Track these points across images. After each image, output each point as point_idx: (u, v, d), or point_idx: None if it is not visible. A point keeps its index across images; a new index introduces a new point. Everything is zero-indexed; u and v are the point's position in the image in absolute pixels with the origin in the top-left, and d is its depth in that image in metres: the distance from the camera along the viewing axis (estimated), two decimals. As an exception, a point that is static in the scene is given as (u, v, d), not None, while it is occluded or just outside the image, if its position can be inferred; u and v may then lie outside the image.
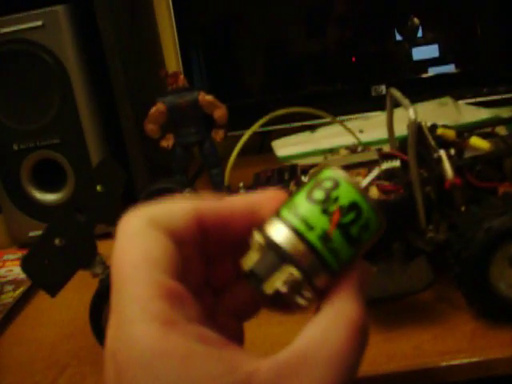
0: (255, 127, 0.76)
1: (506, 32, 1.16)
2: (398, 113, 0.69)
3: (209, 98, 0.96)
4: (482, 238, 0.55)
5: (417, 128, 0.59)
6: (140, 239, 0.28)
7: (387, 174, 0.63)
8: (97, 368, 0.63)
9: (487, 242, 0.55)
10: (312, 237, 0.29)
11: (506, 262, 0.56)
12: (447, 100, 1.00)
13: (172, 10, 1.18)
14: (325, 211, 0.29)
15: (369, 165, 0.66)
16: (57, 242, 0.59)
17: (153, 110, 0.96)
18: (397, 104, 0.65)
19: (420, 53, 1.18)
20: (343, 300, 0.29)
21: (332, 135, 0.95)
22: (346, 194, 0.29)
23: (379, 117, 0.98)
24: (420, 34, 1.18)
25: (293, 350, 0.27)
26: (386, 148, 0.73)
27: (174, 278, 0.28)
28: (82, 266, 0.62)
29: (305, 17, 1.23)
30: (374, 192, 0.61)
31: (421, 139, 0.62)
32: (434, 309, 0.62)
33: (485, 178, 0.63)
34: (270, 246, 0.29)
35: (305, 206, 0.29)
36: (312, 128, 1.02)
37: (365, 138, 0.89)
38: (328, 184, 0.30)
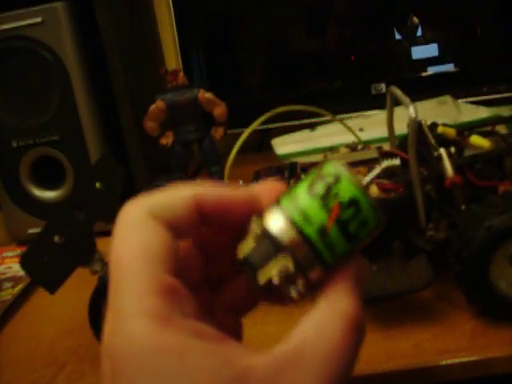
0: (255, 125, 0.76)
1: (505, 31, 1.16)
2: (398, 111, 0.69)
3: (208, 95, 0.95)
4: (483, 237, 0.54)
5: (417, 126, 0.59)
6: (139, 232, 0.28)
7: (387, 173, 0.63)
8: (96, 365, 0.63)
9: (487, 240, 0.55)
10: (309, 230, 0.29)
11: (506, 261, 0.56)
12: (447, 99, 1.00)
13: (172, 8, 1.18)
14: (324, 206, 0.29)
15: (369, 163, 0.66)
16: (56, 239, 0.59)
17: (152, 107, 0.95)
18: (397, 102, 0.65)
19: (419, 52, 1.18)
20: (338, 294, 0.29)
21: (332, 133, 0.95)
22: (346, 190, 0.29)
23: (379, 115, 0.98)
24: (419, 33, 1.17)
25: (289, 345, 0.27)
26: (386, 146, 0.73)
27: (171, 273, 0.28)
28: (81, 263, 0.62)
29: (305, 15, 1.22)
30: (374, 190, 0.61)
31: (421, 138, 0.62)
32: (433, 307, 0.61)
33: (485, 176, 0.63)
34: (266, 235, 0.29)
35: (305, 198, 0.29)
36: (312, 126, 1.02)
37: (365, 136, 0.89)
38: (329, 179, 0.30)
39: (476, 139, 0.64)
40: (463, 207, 0.60)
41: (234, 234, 0.32)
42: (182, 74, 0.96)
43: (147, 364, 0.25)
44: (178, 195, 0.30)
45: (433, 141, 0.63)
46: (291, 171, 0.71)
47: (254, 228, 0.30)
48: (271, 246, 0.29)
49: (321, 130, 1.00)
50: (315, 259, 0.29)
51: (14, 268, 0.91)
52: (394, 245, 0.61)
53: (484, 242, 0.55)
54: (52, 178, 1.00)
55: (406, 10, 1.19)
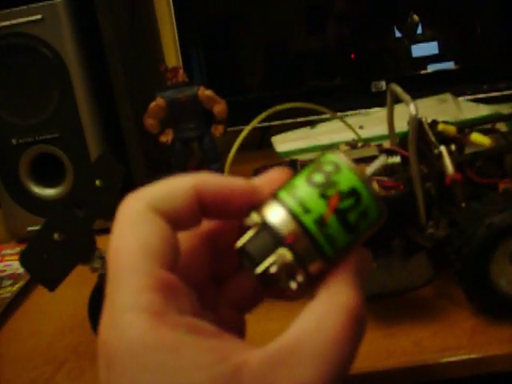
0: (255, 122, 0.76)
1: (505, 29, 1.16)
2: (399, 109, 0.69)
3: (208, 93, 0.95)
4: (483, 235, 0.54)
5: (417, 124, 0.59)
6: (137, 226, 0.28)
7: (387, 170, 0.63)
8: (95, 363, 0.63)
9: (488, 238, 0.55)
10: (307, 220, 0.28)
11: (507, 259, 0.56)
12: (447, 96, 1.00)
13: (172, 6, 1.18)
14: (323, 195, 0.28)
15: (369, 161, 0.66)
16: (56, 236, 0.59)
17: (152, 104, 0.95)
18: (397, 100, 0.65)
19: (420, 49, 1.18)
20: (339, 286, 0.28)
21: (332, 131, 0.95)
22: (345, 180, 0.29)
23: (379, 113, 0.98)
24: (419, 30, 1.17)
25: (285, 340, 0.27)
26: (387, 144, 0.73)
27: (169, 267, 0.28)
28: (80, 260, 0.62)
29: (305, 13, 1.22)
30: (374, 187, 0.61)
31: (421, 135, 0.62)
32: (433, 305, 0.61)
33: (485, 174, 0.63)
34: (265, 225, 0.29)
35: (303, 188, 0.29)
36: (312, 124, 1.02)
37: (365, 133, 0.89)
38: (329, 168, 0.29)
39: (476, 137, 0.64)
40: (463, 205, 0.60)
41: (239, 228, 0.31)
42: (181, 71, 0.96)
43: (141, 359, 0.25)
44: (177, 185, 0.30)
45: (433, 138, 0.63)
46: (291, 169, 0.71)
47: (254, 219, 0.30)
48: (270, 236, 0.29)
49: (321, 127, 1.00)
50: (314, 250, 0.28)
51: (14, 265, 0.91)
52: (394, 242, 0.61)
53: (484, 239, 0.55)
54: (52, 175, 1.00)
55: (406, 7, 1.19)
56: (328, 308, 0.27)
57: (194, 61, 1.24)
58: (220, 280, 0.35)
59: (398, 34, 1.19)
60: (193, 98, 0.95)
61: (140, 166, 1.00)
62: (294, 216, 0.28)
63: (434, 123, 0.66)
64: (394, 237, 0.61)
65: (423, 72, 1.19)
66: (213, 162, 0.99)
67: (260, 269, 0.29)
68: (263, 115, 0.76)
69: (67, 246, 0.60)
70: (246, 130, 0.75)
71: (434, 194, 0.62)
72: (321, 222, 0.28)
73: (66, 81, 0.95)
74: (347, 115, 1.02)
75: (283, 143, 0.98)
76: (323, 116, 0.95)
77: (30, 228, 1.00)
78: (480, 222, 0.55)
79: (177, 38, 1.19)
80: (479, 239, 0.55)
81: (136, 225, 0.28)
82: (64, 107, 0.96)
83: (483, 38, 1.17)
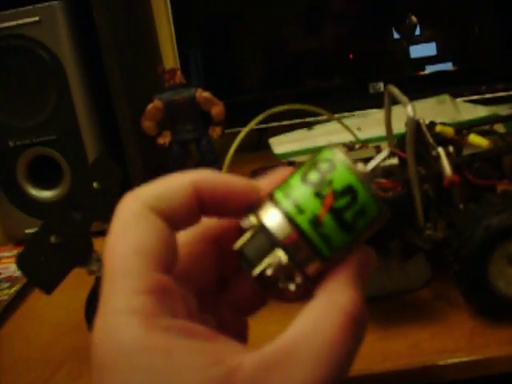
0: (252, 124, 0.76)
1: (503, 30, 1.16)
2: (396, 110, 0.69)
3: (206, 94, 0.95)
4: (481, 236, 0.54)
5: (415, 125, 0.59)
6: (134, 227, 0.28)
7: (385, 172, 0.63)
8: (93, 366, 0.63)
9: (486, 239, 0.54)
10: (301, 220, 0.28)
11: (505, 260, 0.56)
12: (445, 98, 1.00)
13: (169, 7, 1.18)
14: (317, 194, 0.28)
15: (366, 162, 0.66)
16: (52, 239, 0.59)
17: (150, 106, 0.95)
18: (395, 101, 0.65)
19: (418, 50, 1.18)
20: (338, 287, 0.28)
21: (329, 132, 0.95)
22: (341, 177, 0.28)
23: (377, 114, 0.98)
24: (418, 31, 1.17)
25: (282, 342, 0.26)
26: (384, 145, 0.73)
27: (164, 269, 0.27)
28: (77, 263, 0.61)
29: (302, 14, 1.22)
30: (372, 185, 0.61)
31: (419, 137, 0.62)
32: (431, 307, 0.61)
33: (483, 175, 0.63)
34: (260, 227, 0.29)
35: (298, 188, 0.29)
36: (309, 125, 1.02)
37: (362, 135, 0.89)
38: (324, 165, 0.29)
39: (474, 138, 0.64)
40: (461, 206, 0.60)
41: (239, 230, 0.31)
42: (179, 72, 0.96)
43: (133, 362, 0.24)
44: (175, 183, 0.30)
45: (431, 140, 0.62)
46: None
47: (250, 221, 0.29)
48: (265, 238, 0.28)
49: (318, 129, 0.99)
50: (310, 250, 0.28)
51: (11, 268, 0.90)
52: (392, 244, 0.61)
53: (482, 241, 0.54)
54: (49, 177, 0.99)
55: (404, 8, 1.19)
56: (326, 309, 0.27)
57: (191, 62, 1.24)
58: (222, 282, 0.35)
59: (396, 35, 1.18)
60: (190, 99, 0.95)
61: (137, 168, 1.00)
62: (288, 217, 0.28)
63: (432, 125, 0.66)
64: (391, 238, 0.61)
65: (421, 73, 1.19)
66: (210, 163, 0.98)
67: (256, 271, 0.28)
68: (260, 117, 0.76)
69: (64, 248, 0.59)
70: (244, 131, 0.75)
71: (432, 196, 0.61)
72: (315, 221, 0.28)
73: (63, 83, 0.95)
74: (345, 117, 1.02)
75: (281, 145, 0.98)
76: (321, 117, 0.95)
77: (27, 230, 1.00)
78: (478, 224, 0.55)
79: (174, 38, 1.19)
80: (477, 241, 0.54)
81: (132, 225, 0.28)
82: (61, 109, 0.95)
83: (481, 38, 1.17)
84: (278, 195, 0.29)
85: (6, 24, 0.93)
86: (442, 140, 0.64)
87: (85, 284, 0.61)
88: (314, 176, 0.28)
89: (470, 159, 0.63)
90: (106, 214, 0.60)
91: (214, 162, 0.98)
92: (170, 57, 1.33)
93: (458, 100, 1.02)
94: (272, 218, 0.29)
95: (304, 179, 0.29)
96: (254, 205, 0.30)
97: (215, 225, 0.33)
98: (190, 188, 0.29)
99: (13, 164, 0.98)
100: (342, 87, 1.22)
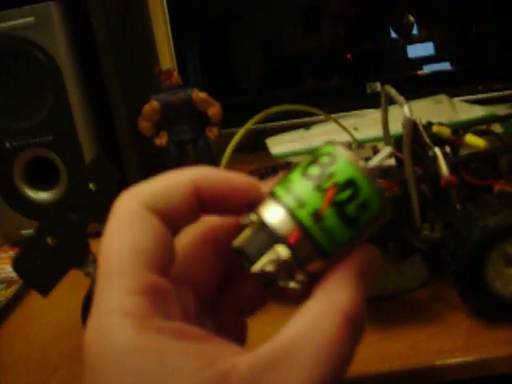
0: (249, 125, 0.76)
1: (501, 30, 1.16)
2: (393, 110, 0.68)
3: (202, 95, 0.95)
4: (478, 236, 0.54)
5: (412, 125, 0.59)
6: (129, 227, 0.28)
7: (382, 172, 0.63)
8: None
9: (483, 240, 0.54)
10: (302, 215, 0.27)
11: (502, 261, 0.56)
12: (442, 97, 1.00)
13: (166, 7, 1.18)
14: (318, 188, 0.27)
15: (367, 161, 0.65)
16: (49, 240, 0.58)
17: (146, 107, 0.95)
18: (392, 101, 0.65)
19: (415, 50, 1.18)
20: (337, 286, 0.27)
21: (326, 133, 0.95)
22: (342, 170, 0.28)
23: (374, 114, 0.98)
24: (415, 31, 1.17)
25: (278, 342, 0.26)
26: (381, 146, 0.73)
27: (160, 269, 0.27)
28: (74, 265, 0.61)
29: (300, 15, 1.22)
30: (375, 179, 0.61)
31: (416, 137, 0.62)
32: (429, 308, 0.61)
33: (480, 175, 0.63)
34: (261, 224, 0.28)
35: (299, 182, 0.28)
36: (307, 125, 1.02)
37: (359, 135, 0.89)
38: (325, 159, 0.28)
39: (471, 138, 0.64)
40: (458, 206, 0.60)
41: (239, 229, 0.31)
42: (176, 73, 0.96)
43: (125, 364, 0.24)
44: (174, 180, 0.29)
45: (428, 140, 0.62)
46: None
47: (250, 216, 0.29)
48: (265, 233, 0.28)
49: (315, 129, 0.99)
50: (311, 245, 0.27)
51: (7, 269, 0.90)
52: (389, 244, 0.61)
53: (479, 241, 0.54)
54: (45, 178, 0.99)
55: (401, 8, 1.19)
56: (323, 309, 0.27)
57: (188, 62, 1.24)
58: (223, 283, 0.34)
59: (393, 35, 1.19)
60: (187, 100, 0.95)
61: (134, 168, 1.00)
62: (289, 212, 0.27)
63: (429, 125, 0.66)
64: (388, 239, 0.61)
65: (419, 73, 1.19)
66: (207, 164, 0.98)
67: (257, 267, 0.28)
68: (257, 117, 0.76)
69: (61, 250, 0.59)
70: (241, 132, 0.75)
71: (429, 196, 0.61)
72: (316, 215, 0.27)
73: (59, 84, 0.94)
74: (342, 117, 1.02)
75: (278, 145, 0.98)
76: (318, 118, 0.95)
77: (23, 231, 1.00)
78: (475, 224, 0.55)
79: (171, 38, 1.19)
80: (474, 241, 0.54)
81: (128, 224, 0.28)
82: (58, 110, 0.95)
83: (479, 38, 1.17)
84: (279, 191, 0.29)
85: (2, 25, 0.93)
86: (439, 140, 0.64)
87: (81, 286, 0.61)
88: (314, 170, 0.28)
89: (466, 159, 0.63)
90: (102, 215, 0.60)
91: (211, 163, 0.98)
92: (166, 57, 1.33)
93: (455, 100, 1.02)
94: (272, 213, 0.28)
95: (305, 174, 0.28)
96: (254, 202, 0.30)
97: (215, 225, 0.32)
98: (189, 185, 0.29)
99: (9, 165, 0.98)
100: (339, 87, 1.22)
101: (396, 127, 0.67)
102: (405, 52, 1.19)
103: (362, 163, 0.28)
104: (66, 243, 0.59)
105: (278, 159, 0.94)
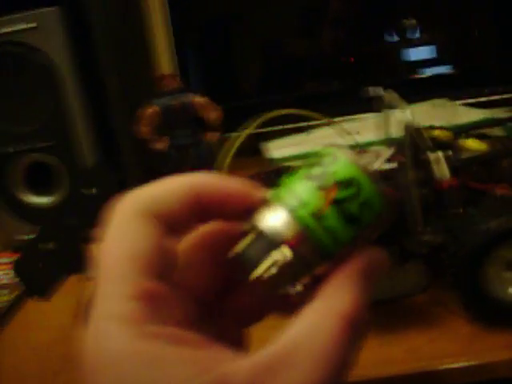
0: (249, 130, 0.76)
1: (502, 33, 1.16)
2: (394, 114, 0.68)
3: (203, 100, 0.95)
4: (479, 240, 0.54)
5: (412, 129, 0.59)
6: (126, 231, 0.27)
7: (381, 176, 0.63)
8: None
9: (483, 244, 0.54)
10: (303, 214, 0.27)
11: (502, 265, 0.56)
12: (442, 101, 1.00)
13: (168, 11, 1.18)
14: (320, 187, 0.27)
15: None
16: (49, 245, 0.59)
17: (146, 111, 0.95)
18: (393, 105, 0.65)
19: (416, 54, 1.18)
20: (337, 289, 0.27)
21: (326, 137, 0.95)
22: (343, 169, 0.27)
23: (372, 118, 0.98)
24: (417, 35, 1.17)
25: (276, 348, 0.25)
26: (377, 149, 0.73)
27: (157, 274, 0.27)
28: (72, 269, 0.61)
29: (301, 19, 1.22)
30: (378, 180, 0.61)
31: (416, 140, 0.61)
32: (429, 312, 0.61)
33: (481, 179, 0.63)
34: (261, 227, 0.28)
35: (300, 183, 0.28)
36: (307, 129, 1.02)
37: (360, 139, 0.89)
38: (326, 160, 0.28)
39: (471, 142, 0.64)
40: (459, 210, 0.60)
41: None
42: (176, 78, 0.96)
43: (120, 371, 0.24)
44: (173, 186, 0.29)
45: (428, 144, 0.62)
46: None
47: (252, 221, 0.28)
48: (266, 239, 0.27)
49: (315, 133, 0.99)
50: (314, 246, 0.27)
51: (10, 275, 0.90)
52: (389, 249, 0.61)
53: (480, 245, 0.54)
54: (45, 183, 0.99)
55: (402, 11, 1.19)
56: (323, 312, 0.26)
57: (188, 66, 1.24)
58: (224, 291, 0.34)
59: (394, 38, 1.19)
60: (187, 104, 0.95)
61: (134, 173, 1.00)
62: (291, 213, 0.27)
63: (430, 128, 0.66)
64: (388, 243, 0.60)
65: (419, 76, 1.19)
66: (207, 168, 0.98)
67: (259, 271, 0.27)
68: (257, 122, 0.76)
69: (60, 255, 0.59)
70: (240, 138, 0.75)
71: (429, 200, 0.61)
72: (318, 214, 0.27)
73: (59, 89, 0.94)
74: (342, 120, 1.02)
75: (277, 149, 0.98)
76: (318, 122, 0.95)
77: (23, 237, 1.00)
78: (476, 228, 0.55)
79: (172, 43, 1.19)
80: (475, 245, 0.54)
81: (125, 229, 0.28)
82: (58, 116, 0.95)
83: (480, 42, 1.17)
84: (280, 193, 0.28)
85: (3, 30, 0.93)
86: (440, 144, 0.64)
87: (82, 290, 0.61)
88: (316, 171, 0.28)
89: (467, 163, 0.63)
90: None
91: (212, 167, 0.98)
92: (166, 61, 1.33)
93: (456, 103, 1.02)
94: (274, 216, 0.28)
95: (306, 175, 0.28)
96: (254, 207, 0.29)
97: (216, 232, 0.32)
98: (188, 191, 0.29)
99: (8, 170, 0.98)
100: (340, 91, 1.22)
101: (397, 131, 0.67)
102: (406, 55, 1.19)
103: (363, 163, 0.28)
104: (65, 248, 0.59)
105: (278, 163, 0.94)
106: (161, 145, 0.98)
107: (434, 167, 0.59)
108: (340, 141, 0.85)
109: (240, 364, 0.25)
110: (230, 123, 0.99)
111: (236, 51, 1.26)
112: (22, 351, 0.71)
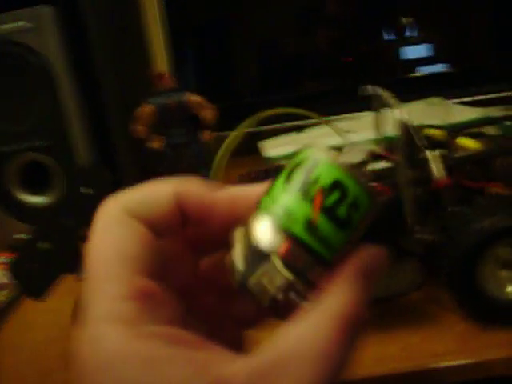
0: (243, 128, 0.76)
1: (498, 32, 1.16)
2: (388, 113, 0.69)
3: (197, 98, 0.95)
4: (473, 239, 0.54)
5: (406, 128, 0.59)
6: (115, 232, 0.27)
7: (376, 175, 0.63)
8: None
9: (477, 242, 0.54)
10: (294, 227, 0.26)
11: (496, 263, 0.56)
12: (436, 100, 1.00)
13: (164, 10, 1.18)
14: (305, 195, 0.26)
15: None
16: (44, 245, 0.58)
17: (141, 110, 0.95)
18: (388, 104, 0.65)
19: (411, 52, 1.19)
20: (334, 291, 0.27)
21: (321, 136, 0.95)
22: (326, 173, 0.27)
23: (369, 117, 0.98)
24: (412, 33, 1.18)
25: (275, 349, 0.25)
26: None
27: (148, 274, 0.27)
28: (69, 269, 0.61)
29: (297, 19, 1.22)
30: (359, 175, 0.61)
31: (410, 139, 0.62)
32: (423, 310, 0.61)
33: (475, 178, 0.63)
34: (250, 238, 0.27)
35: (285, 191, 0.27)
36: (302, 128, 1.02)
37: (354, 138, 0.89)
38: (306, 165, 0.27)
39: (465, 141, 0.64)
40: (453, 209, 0.60)
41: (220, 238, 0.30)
42: (171, 77, 0.96)
43: (111, 371, 0.24)
44: (158, 190, 0.29)
45: (422, 142, 0.62)
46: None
47: (239, 233, 0.28)
48: (256, 249, 0.27)
49: (309, 132, 0.99)
50: (308, 256, 0.27)
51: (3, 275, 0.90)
52: (384, 247, 0.61)
53: (474, 244, 0.54)
54: (40, 183, 0.99)
55: (398, 10, 1.19)
56: (321, 314, 0.26)
57: (183, 65, 1.24)
58: (219, 291, 0.33)
59: (389, 37, 1.19)
60: (182, 103, 0.95)
61: (129, 173, 1.00)
62: (280, 227, 0.27)
63: (423, 127, 0.66)
64: (382, 242, 0.60)
65: (415, 75, 1.19)
66: (202, 167, 0.98)
67: (250, 283, 0.27)
68: (251, 121, 0.76)
69: (55, 255, 0.59)
70: (235, 135, 0.75)
71: (423, 199, 0.61)
72: (310, 225, 0.26)
73: (54, 88, 0.94)
74: (336, 119, 1.02)
75: (272, 148, 0.98)
76: (312, 121, 0.95)
77: (17, 236, 0.99)
78: (470, 227, 0.55)
79: (167, 42, 1.19)
80: (469, 244, 0.54)
81: (113, 229, 0.28)
82: (52, 115, 0.95)
83: (476, 41, 1.17)
84: (266, 202, 0.28)
85: (-3, 29, 0.93)
86: (433, 142, 0.64)
87: (77, 290, 0.60)
88: (298, 176, 0.27)
89: (461, 162, 0.63)
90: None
91: (205, 166, 0.98)
92: (162, 60, 1.33)
93: (450, 102, 1.03)
94: (262, 227, 0.27)
95: (289, 182, 0.27)
96: (241, 216, 0.29)
97: (201, 234, 0.32)
98: (172, 197, 0.29)
99: (3, 170, 0.98)
100: (334, 90, 1.22)
101: (391, 130, 0.67)
102: (401, 54, 1.19)
103: (343, 162, 0.27)
104: (60, 248, 0.59)
105: (272, 162, 0.94)
106: (157, 144, 0.98)
107: (429, 166, 0.59)
108: (334, 139, 0.86)
109: (239, 366, 0.24)
110: (228, 122, 0.99)
111: (233, 50, 1.26)
112: (15, 351, 0.71)
